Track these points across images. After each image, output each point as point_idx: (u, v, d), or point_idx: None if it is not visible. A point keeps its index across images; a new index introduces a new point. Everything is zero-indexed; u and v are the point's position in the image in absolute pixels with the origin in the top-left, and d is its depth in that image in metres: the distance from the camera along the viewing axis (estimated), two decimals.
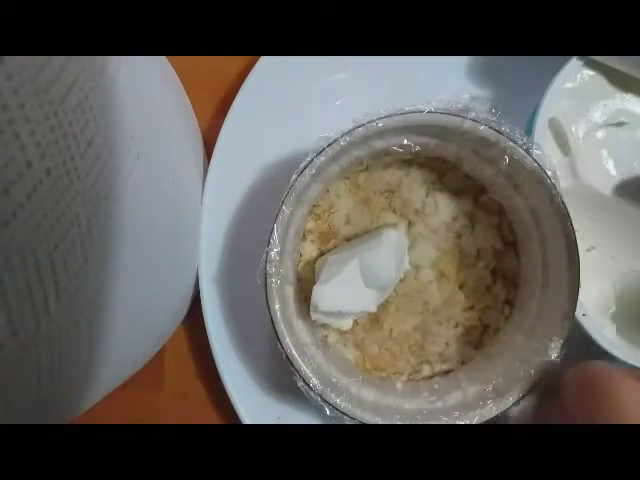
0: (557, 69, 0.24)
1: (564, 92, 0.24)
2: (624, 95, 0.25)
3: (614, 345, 0.24)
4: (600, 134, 0.25)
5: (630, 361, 0.24)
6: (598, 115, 0.25)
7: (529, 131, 0.24)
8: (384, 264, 0.23)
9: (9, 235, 0.11)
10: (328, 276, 0.22)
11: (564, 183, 0.24)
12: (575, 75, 0.25)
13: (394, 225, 0.25)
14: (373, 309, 0.23)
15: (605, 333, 0.24)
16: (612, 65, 0.24)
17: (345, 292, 0.22)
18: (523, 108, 0.24)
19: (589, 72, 0.25)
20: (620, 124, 0.25)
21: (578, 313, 0.23)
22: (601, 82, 0.25)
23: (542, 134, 0.24)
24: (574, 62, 0.24)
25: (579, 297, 0.22)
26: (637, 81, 0.25)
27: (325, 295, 0.22)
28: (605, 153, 0.25)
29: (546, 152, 0.22)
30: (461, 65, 0.28)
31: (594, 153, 0.25)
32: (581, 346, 0.23)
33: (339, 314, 0.22)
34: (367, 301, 0.23)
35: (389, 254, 0.23)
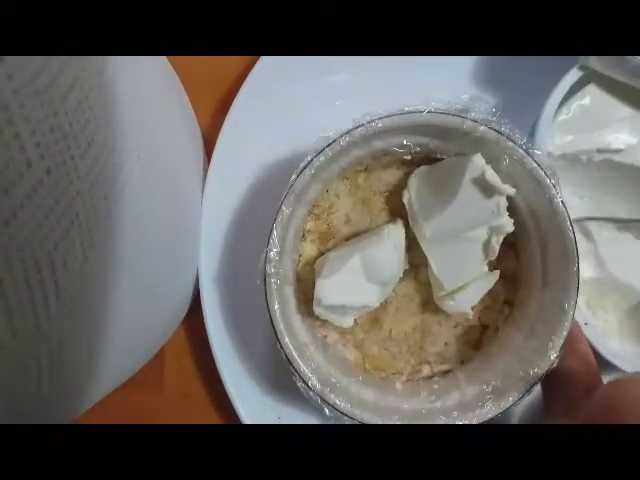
0: (557, 70, 0.24)
1: (557, 125, 0.25)
2: (619, 124, 0.25)
3: (617, 355, 0.24)
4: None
5: (630, 371, 0.24)
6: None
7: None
8: (387, 257, 0.23)
9: (9, 235, 0.11)
10: (331, 270, 0.22)
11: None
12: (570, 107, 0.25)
13: (395, 222, 0.25)
14: (376, 304, 0.23)
15: (607, 342, 0.24)
16: (613, 76, 0.24)
17: (348, 286, 0.22)
18: (523, 108, 0.24)
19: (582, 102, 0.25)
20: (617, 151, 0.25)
21: (580, 322, 0.23)
22: (594, 111, 0.25)
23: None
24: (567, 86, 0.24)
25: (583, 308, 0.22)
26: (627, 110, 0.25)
27: (329, 288, 0.22)
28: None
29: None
30: (461, 65, 0.28)
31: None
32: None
33: (342, 309, 0.22)
34: (370, 296, 0.23)
35: (391, 248, 0.23)
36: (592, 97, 0.25)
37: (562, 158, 0.25)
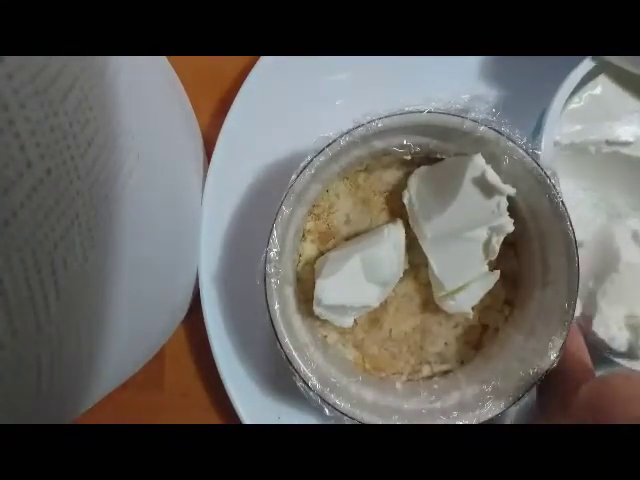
0: (558, 70, 0.24)
1: (566, 115, 0.24)
2: (629, 117, 0.25)
3: (613, 352, 0.24)
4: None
5: (628, 366, 0.24)
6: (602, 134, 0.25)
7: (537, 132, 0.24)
8: (387, 257, 0.23)
9: (9, 235, 0.11)
10: (331, 270, 0.22)
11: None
12: (581, 96, 0.25)
13: (395, 221, 0.25)
14: (376, 304, 0.23)
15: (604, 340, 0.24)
16: (626, 68, 0.24)
17: (348, 286, 0.22)
18: (523, 108, 0.24)
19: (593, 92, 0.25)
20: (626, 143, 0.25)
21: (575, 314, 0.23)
22: (605, 102, 0.25)
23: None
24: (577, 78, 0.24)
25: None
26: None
27: (329, 288, 0.22)
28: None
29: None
30: (461, 65, 0.28)
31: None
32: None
33: (342, 309, 0.22)
34: (370, 296, 0.23)
35: (391, 248, 0.23)
36: (604, 87, 0.25)
37: (570, 147, 0.25)
